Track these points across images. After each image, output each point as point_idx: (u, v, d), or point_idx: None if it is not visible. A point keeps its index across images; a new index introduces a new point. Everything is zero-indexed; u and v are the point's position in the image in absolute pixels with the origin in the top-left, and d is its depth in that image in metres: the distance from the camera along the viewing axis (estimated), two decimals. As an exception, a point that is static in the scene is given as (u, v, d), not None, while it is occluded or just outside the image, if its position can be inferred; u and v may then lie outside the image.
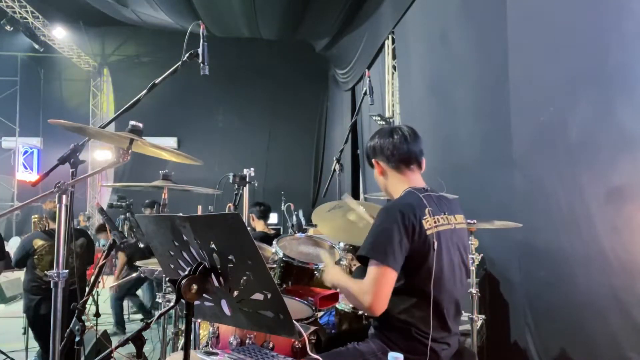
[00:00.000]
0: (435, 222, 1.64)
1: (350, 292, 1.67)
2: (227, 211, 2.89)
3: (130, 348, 1.21)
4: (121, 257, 5.28)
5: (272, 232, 4.59)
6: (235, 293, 1.25)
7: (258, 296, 1.21)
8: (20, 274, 4.85)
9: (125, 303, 5.50)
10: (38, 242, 3.77)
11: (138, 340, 1.20)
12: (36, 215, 4.98)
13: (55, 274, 1.68)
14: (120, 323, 5.17)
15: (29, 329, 3.83)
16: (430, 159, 1.85)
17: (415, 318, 1.61)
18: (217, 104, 11.83)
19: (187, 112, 11.40)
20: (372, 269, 1.57)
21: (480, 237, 2.47)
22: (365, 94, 3.18)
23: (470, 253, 2.36)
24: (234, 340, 1.79)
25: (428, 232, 1.60)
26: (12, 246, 7.24)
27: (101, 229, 4.94)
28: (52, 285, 1.68)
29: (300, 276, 2.27)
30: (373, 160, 1.84)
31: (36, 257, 3.73)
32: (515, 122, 2.85)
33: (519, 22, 2.83)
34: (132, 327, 5.29)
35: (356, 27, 7.57)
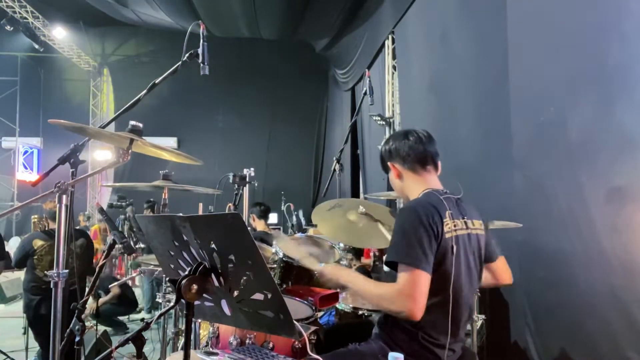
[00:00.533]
0: (454, 226, 1.61)
1: (375, 294, 1.61)
2: (227, 211, 2.90)
3: (130, 348, 1.21)
4: (114, 290, 5.16)
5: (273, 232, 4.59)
6: (236, 293, 1.25)
7: (258, 296, 1.21)
8: (20, 274, 4.84)
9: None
10: (38, 243, 3.76)
11: (138, 340, 1.20)
12: (36, 216, 4.98)
13: (55, 274, 1.68)
14: (115, 326, 5.14)
15: (29, 328, 3.83)
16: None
17: (424, 321, 1.54)
18: (217, 104, 11.82)
19: (187, 112, 11.41)
20: (404, 274, 1.50)
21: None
22: (365, 94, 3.18)
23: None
24: (234, 340, 1.79)
25: (447, 235, 1.57)
26: (12, 246, 7.24)
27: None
28: (52, 285, 1.69)
29: (300, 276, 2.27)
30: (389, 164, 1.81)
31: (36, 257, 3.73)
32: (515, 122, 2.84)
33: (519, 22, 2.83)
34: (132, 327, 5.30)
35: (356, 27, 7.56)
